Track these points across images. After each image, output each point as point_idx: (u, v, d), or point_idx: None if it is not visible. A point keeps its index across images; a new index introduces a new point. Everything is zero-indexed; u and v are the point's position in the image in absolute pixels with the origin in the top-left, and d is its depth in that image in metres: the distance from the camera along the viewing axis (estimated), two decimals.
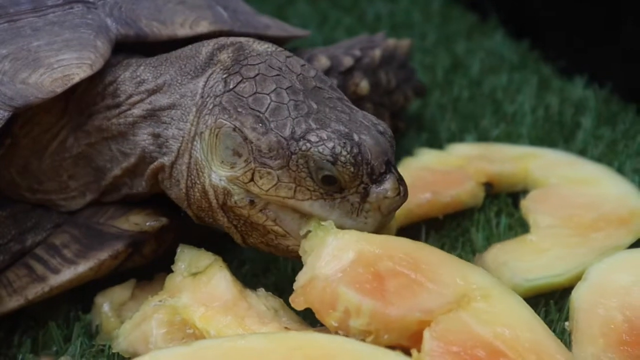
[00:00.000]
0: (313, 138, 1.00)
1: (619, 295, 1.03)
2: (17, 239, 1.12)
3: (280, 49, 1.08)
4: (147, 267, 1.15)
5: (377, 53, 1.43)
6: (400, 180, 1.02)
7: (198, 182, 1.05)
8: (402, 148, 1.46)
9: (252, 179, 1.01)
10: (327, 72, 1.31)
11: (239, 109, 1.02)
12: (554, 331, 1.07)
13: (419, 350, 0.92)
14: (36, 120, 1.10)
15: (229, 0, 1.26)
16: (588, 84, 1.67)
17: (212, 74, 1.06)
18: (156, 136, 1.08)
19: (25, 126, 1.10)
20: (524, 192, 1.33)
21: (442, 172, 1.33)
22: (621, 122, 1.55)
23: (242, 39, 1.08)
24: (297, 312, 1.06)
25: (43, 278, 1.10)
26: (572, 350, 1.00)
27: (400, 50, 1.49)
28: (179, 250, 1.09)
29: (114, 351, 1.05)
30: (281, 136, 1.00)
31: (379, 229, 1.03)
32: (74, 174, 1.13)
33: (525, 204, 1.27)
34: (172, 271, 1.08)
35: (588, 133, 1.51)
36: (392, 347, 0.94)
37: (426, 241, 1.26)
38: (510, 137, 1.50)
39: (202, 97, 1.05)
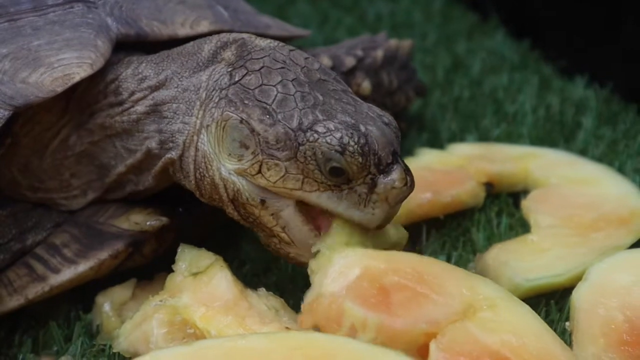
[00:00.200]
0: (320, 129, 0.99)
1: (619, 295, 1.03)
2: (18, 239, 1.12)
3: (282, 43, 1.08)
4: (147, 267, 1.15)
5: (379, 54, 1.43)
6: (407, 170, 1.01)
7: (207, 175, 1.05)
8: (403, 148, 1.45)
9: (259, 171, 1.01)
10: None
11: (246, 101, 1.02)
12: (554, 331, 1.07)
13: None
14: (37, 119, 1.10)
15: (229, 0, 1.26)
16: (589, 84, 1.67)
17: (215, 68, 1.06)
18: (160, 132, 1.08)
19: (25, 125, 1.10)
20: (525, 192, 1.33)
21: (443, 172, 1.33)
22: (622, 122, 1.55)
23: (244, 35, 1.08)
24: (298, 312, 1.06)
25: (43, 277, 1.10)
26: (572, 350, 1.00)
27: (402, 51, 1.49)
28: (179, 250, 1.08)
29: (114, 351, 1.05)
30: (288, 127, 1.00)
31: (386, 220, 1.03)
32: (76, 172, 1.13)
33: (526, 203, 1.27)
34: (172, 271, 1.08)
35: (589, 133, 1.51)
36: None
37: (427, 241, 1.26)
38: (511, 137, 1.50)
39: (206, 90, 1.05)
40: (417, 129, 1.55)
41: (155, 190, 1.14)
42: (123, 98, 1.09)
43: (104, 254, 1.11)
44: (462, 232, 1.29)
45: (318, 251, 1.01)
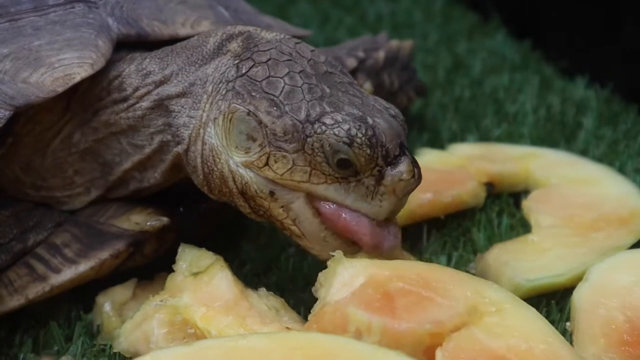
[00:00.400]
0: (328, 121, 0.99)
1: (620, 295, 1.03)
2: (19, 238, 1.12)
3: (288, 36, 1.07)
4: (148, 267, 1.15)
5: (380, 55, 1.43)
6: (414, 162, 1.01)
7: (215, 168, 1.05)
8: None
9: (267, 163, 1.01)
10: None
11: (253, 93, 1.01)
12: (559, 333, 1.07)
13: None
14: (38, 118, 1.10)
15: (230, 0, 1.26)
16: (589, 84, 1.67)
17: (221, 60, 1.06)
18: (169, 125, 1.08)
19: (27, 125, 1.10)
20: (526, 192, 1.33)
21: (444, 172, 1.33)
22: (622, 122, 1.55)
23: (250, 28, 1.08)
24: (298, 312, 1.06)
25: (44, 277, 1.10)
26: None
27: (403, 52, 1.49)
28: (180, 249, 1.08)
29: (115, 351, 1.05)
30: (296, 119, 0.99)
31: (394, 213, 1.03)
32: (80, 169, 1.13)
33: (527, 204, 1.27)
34: (173, 271, 1.08)
35: (589, 133, 1.51)
36: None
37: (427, 241, 1.26)
38: (511, 137, 1.50)
39: (213, 83, 1.05)
40: (418, 129, 1.55)
41: (159, 187, 1.14)
42: (127, 94, 1.09)
43: (104, 254, 1.11)
44: (462, 232, 1.29)
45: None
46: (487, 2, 1.99)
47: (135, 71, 1.10)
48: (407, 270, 0.99)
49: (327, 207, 1.02)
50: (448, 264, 1.21)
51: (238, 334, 0.99)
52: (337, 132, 0.98)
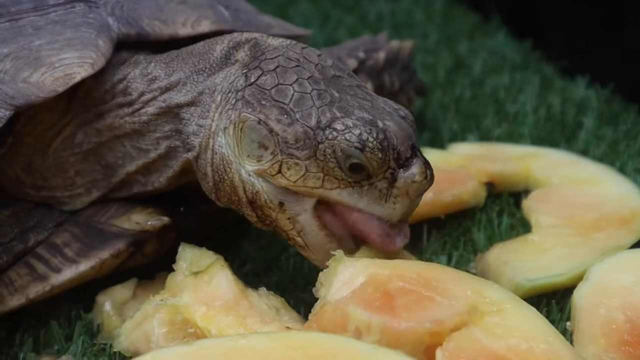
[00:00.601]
0: (339, 126, 0.99)
1: (620, 295, 1.03)
2: (20, 238, 1.12)
3: (294, 42, 1.07)
4: (148, 266, 1.15)
5: (381, 55, 1.43)
6: (426, 163, 1.01)
7: (226, 177, 1.05)
8: None
9: (279, 171, 1.01)
10: None
11: (263, 102, 1.01)
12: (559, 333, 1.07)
13: None
14: (39, 118, 1.10)
15: (230, 0, 1.26)
16: (590, 84, 1.67)
17: (230, 70, 1.06)
18: (178, 132, 1.08)
19: (28, 124, 1.10)
20: (526, 191, 1.33)
21: (444, 171, 1.33)
22: (623, 122, 1.55)
23: (256, 35, 1.08)
24: (299, 312, 1.06)
25: (44, 277, 1.10)
26: None
27: (404, 52, 1.49)
28: (180, 249, 1.08)
29: (115, 350, 1.05)
30: (307, 126, 1.00)
31: (407, 214, 1.03)
32: (81, 170, 1.13)
33: (527, 203, 1.27)
34: (173, 270, 1.08)
35: (590, 133, 1.51)
36: None
37: (428, 241, 1.26)
38: (512, 137, 1.50)
39: (222, 92, 1.05)
40: (418, 128, 1.54)
41: (162, 191, 1.14)
42: (132, 98, 1.09)
43: (105, 254, 1.11)
44: (463, 231, 1.29)
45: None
46: (487, 2, 1.99)
47: (141, 75, 1.10)
48: (407, 270, 0.99)
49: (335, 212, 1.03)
50: (448, 263, 1.21)
51: (238, 333, 0.99)
52: (348, 138, 0.98)
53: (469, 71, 1.76)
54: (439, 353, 0.92)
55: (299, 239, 1.03)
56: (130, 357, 1.04)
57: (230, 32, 1.19)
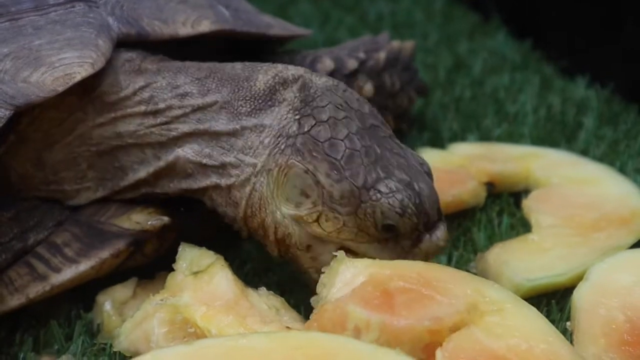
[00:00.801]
0: (383, 189, 1.02)
1: (620, 295, 1.03)
2: (20, 238, 1.12)
3: (336, 81, 1.09)
4: (148, 266, 1.15)
5: (381, 56, 1.43)
6: (446, 227, 1.05)
7: (259, 215, 1.07)
8: None
9: (317, 220, 1.03)
10: (332, 74, 1.31)
11: (314, 153, 1.03)
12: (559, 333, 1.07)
13: None
14: (43, 116, 1.10)
15: (230, 0, 1.26)
16: (590, 84, 1.67)
17: (280, 111, 1.06)
18: (205, 156, 1.09)
19: (34, 122, 1.09)
20: (526, 191, 1.33)
21: (444, 171, 1.33)
22: (623, 122, 1.55)
23: (302, 72, 1.08)
24: (299, 312, 1.06)
25: (44, 277, 1.10)
26: None
27: (404, 52, 1.49)
28: (180, 249, 1.09)
29: (115, 350, 1.05)
30: (354, 185, 1.02)
31: None
32: (94, 164, 1.13)
33: (527, 203, 1.27)
34: (173, 270, 1.08)
35: (590, 133, 1.51)
36: None
37: None
38: (512, 137, 1.50)
39: (271, 136, 1.06)
40: (418, 128, 1.55)
41: (171, 196, 1.14)
42: (158, 108, 1.10)
43: (105, 253, 1.11)
44: (463, 231, 1.29)
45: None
46: (487, 2, 1.99)
47: (168, 86, 1.10)
48: (407, 270, 0.99)
49: None
50: (449, 263, 1.21)
51: (238, 333, 0.99)
52: (391, 202, 1.01)
53: (469, 71, 1.76)
54: (438, 353, 0.92)
55: (316, 275, 1.04)
56: (131, 357, 1.04)
57: (230, 32, 1.19)
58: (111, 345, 1.06)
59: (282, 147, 1.05)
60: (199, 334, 1.01)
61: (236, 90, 1.08)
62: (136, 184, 1.13)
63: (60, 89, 1.05)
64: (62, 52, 1.07)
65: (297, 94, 1.06)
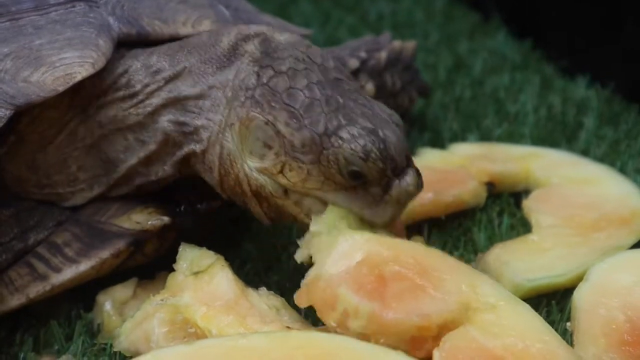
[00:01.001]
0: (345, 135, 1.01)
1: (620, 295, 1.03)
2: (20, 238, 1.12)
3: (299, 37, 1.09)
4: (148, 266, 1.15)
5: (382, 55, 1.43)
6: (418, 172, 1.04)
7: (231, 171, 1.07)
8: None
9: (281, 171, 1.03)
10: None
11: (273, 104, 1.03)
12: (555, 332, 1.07)
13: (417, 356, 0.92)
14: (42, 116, 1.10)
15: (230, 0, 1.26)
16: (590, 84, 1.67)
17: (241, 65, 1.07)
18: (181, 124, 1.09)
19: (32, 123, 1.10)
20: (526, 192, 1.33)
21: (445, 171, 1.33)
22: (623, 122, 1.55)
23: (263, 29, 1.09)
24: (299, 311, 1.06)
25: (44, 277, 1.10)
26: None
27: (406, 52, 1.49)
28: (180, 249, 1.09)
29: (115, 350, 1.05)
30: (315, 132, 1.02)
31: (393, 219, 1.05)
32: (83, 165, 1.13)
33: (528, 203, 1.27)
34: (173, 270, 1.08)
35: (590, 133, 1.51)
36: None
37: (428, 241, 1.26)
38: (512, 137, 1.50)
39: (232, 89, 1.06)
40: (418, 128, 1.55)
41: (166, 182, 1.14)
42: (136, 90, 1.10)
43: (105, 253, 1.11)
44: (463, 231, 1.29)
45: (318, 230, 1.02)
46: (487, 2, 1.99)
47: (143, 67, 1.10)
48: (405, 253, 0.99)
49: None
50: None
51: (238, 333, 0.99)
52: (353, 147, 1.00)
53: (469, 71, 1.76)
54: (435, 354, 0.92)
55: (307, 219, 1.05)
56: (131, 357, 1.04)
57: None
58: (111, 345, 1.06)
59: (242, 99, 1.05)
60: (199, 334, 1.01)
61: (202, 54, 1.09)
62: (129, 175, 1.13)
63: (61, 88, 1.05)
64: (62, 52, 1.07)
65: (258, 47, 1.07)
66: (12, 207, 1.13)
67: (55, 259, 1.10)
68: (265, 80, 1.05)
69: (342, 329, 0.94)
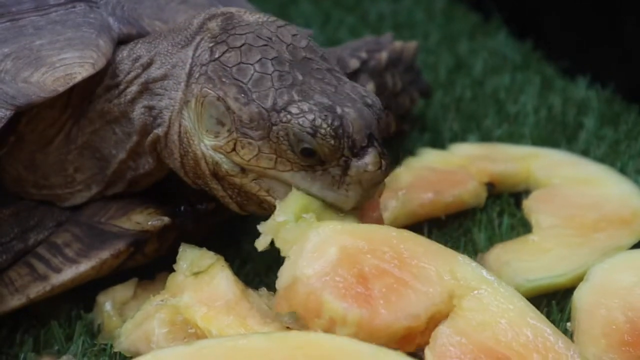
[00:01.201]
0: (294, 110, 0.99)
1: (620, 295, 1.03)
2: (20, 238, 1.12)
3: (273, 18, 1.08)
4: (149, 266, 1.15)
5: (383, 56, 1.43)
6: (382, 154, 1.01)
7: (190, 150, 1.06)
8: (404, 148, 1.46)
9: (234, 149, 1.02)
10: None
11: (223, 79, 1.02)
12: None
13: (406, 350, 0.93)
14: (41, 116, 1.10)
15: (231, 0, 1.26)
16: (591, 84, 1.67)
17: (200, 41, 1.06)
18: (150, 108, 1.08)
19: (31, 123, 1.10)
20: (527, 192, 1.33)
21: (445, 172, 1.33)
22: (624, 123, 1.55)
23: (233, 9, 1.08)
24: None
25: (45, 277, 1.10)
26: None
27: (407, 53, 1.48)
28: (180, 249, 1.08)
29: (115, 350, 1.05)
30: (262, 107, 1.00)
31: (360, 202, 1.03)
32: (80, 167, 1.13)
33: (528, 204, 1.27)
34: (174, 270, 1.08)
35: (590, 133, 1.51)
36: None
37: None
38: (512, 137, 1.50)
39: (190, 66, 1.06)
40: (419, 129, 1.55)
41: (156, 176, 1.14)
42: (119, 79, 1.10)
43: (105, 254, 1.11)
44: (463, 232, 1.29)
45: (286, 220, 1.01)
46: (488, 2, 1.99)
47: (127, 56, 1.10)
48: (379, 242, 0.98)
49: None
50: None
51: (238, 333, 0.99)
52: (301, 122, 0.99)
53: (470, 71, 1.76)
54: (427, 353, 0.93)
55: (269, 197, 1.04)
56: (131, 357, 1.04)
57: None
58: (111, 346, 1.06)
59: (197, 76, 1.04)
60: (199, 335, 1.01)
61: (175, 37, 1.08)
62: (120, 170, 1.13)
63: (61, 89, 1.05)
64: (63, 53, 1.07)
65: (219, 24, 1.06)
66: (12, 207, 1.13)
67: (56, 260, 1.10)
68: (217, 56, 1.04)
69: (329, 333, 0.94)
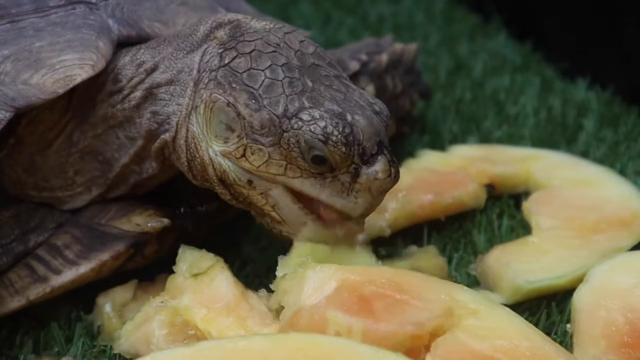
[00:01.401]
0: (305, 117, 1.00)
1: (620, 297, 1.03)
2: (20, 239, 1.12)
3: (280, 24, 1.08)
4: (148, 268, 1.15)
5: (383, 58, 1.43)
6: (392, 162, 1.01)
7: (197, 155, 1.06)
8: (404, 149, 1.46)
9: (243, 155, 1.02)
10: None
11: (233, 85, 1.02)
12: (555, 333, 1.07)
13: None
14: (40, 118, 1.10)
15: (230, 1, 1.26)
16: (590, 86, 1.67)
17: (207, 48, 1.06)
18: (155, 114, 1.08)
19: (30, 125, 1.10)
20: (526, 193, 1.33)
21: (444, 173, 1.33)
22: (623, 124, 1.55)
23: (240, 16, 1.08)
24: None
25: (44, 279, 1.10)
26: (573, 352, 1.00)
27: (407, 55, 1.48)
28: (180, 251, 1.09)
29: (115, 352, 1.05)
30: (273, 113, 1.00)
31: (369, 210, 1.03)
32: (80, 169, 1.13)
33: (527, 205, 1.27)
34: (173, 272, 1.08)
35: (590, 135, 1.51)
36: None
37: (428, 242, 1.26)
38: (512, 139, 1.50)
39: (198, 71, 1.06)
40: (418, 130, 1.55)
41: (159, 179, 1.14)
42: (122, 85, 1.10)
43: (105, 255, 1.11)
44: (463, 233, 1.29)
45: (285, 274, 1.02)
46: (488, 3, 1.99)
47: (130, 62, 1.10)
48: (376, 275, 0.99)
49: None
50: (449, 265, 1.20)
51: (238, 335, 0.99)
52: (313, 129, 0.99)
53: (470, 72, 1.76)
54: (428, 359, 0.92)
55: (274, 213, 1.04)
56: (131, 359, 1.04)
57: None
58: (111, 348, 1.06)
59: (206, 81, 1.04)
60: (199, 336, 1.01)
61: (180, 44, 1.09)
62: (124, 174, 1.13)
63: (61, 90, 1.05)
64: (62, 54, 1.07)
65: (227, 32, 1.06)
66: (13, 209, 1.13)
67: (55, 261, 1.11)
68: (227, 61, 1.04)
69: None
